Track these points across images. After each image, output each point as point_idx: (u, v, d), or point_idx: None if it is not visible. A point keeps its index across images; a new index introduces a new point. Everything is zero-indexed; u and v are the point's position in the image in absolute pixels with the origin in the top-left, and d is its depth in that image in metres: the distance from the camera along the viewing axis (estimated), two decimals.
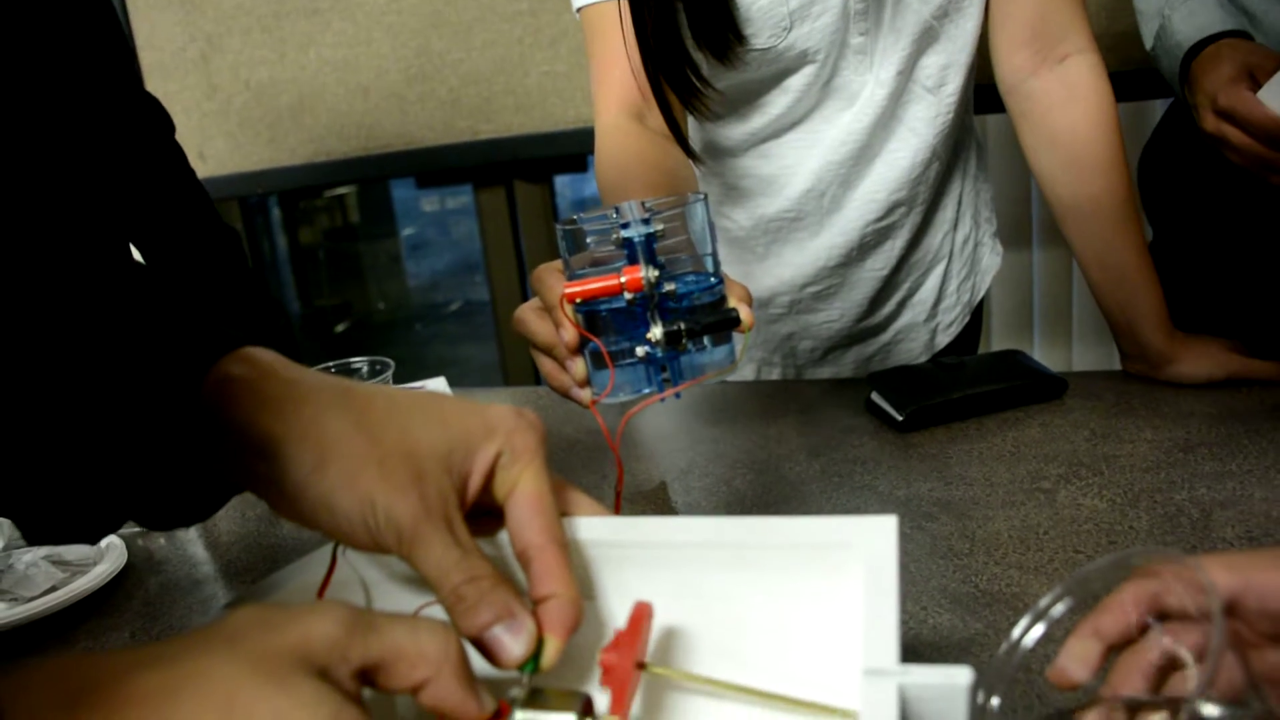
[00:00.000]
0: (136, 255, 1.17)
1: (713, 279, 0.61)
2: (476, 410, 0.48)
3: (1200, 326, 1.04)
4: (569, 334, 0.60)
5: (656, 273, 0.58)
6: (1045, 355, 2.07)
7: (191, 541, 0.95)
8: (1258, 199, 1.11)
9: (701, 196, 0.62)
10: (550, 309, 0.62)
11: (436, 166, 2.05)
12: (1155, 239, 1.28)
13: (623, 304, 0.59)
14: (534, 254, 2.21)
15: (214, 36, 2.04)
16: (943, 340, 1.21)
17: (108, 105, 1.09)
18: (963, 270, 1.19)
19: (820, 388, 1.12)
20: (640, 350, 0.59)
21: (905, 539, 0.77)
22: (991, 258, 1.23)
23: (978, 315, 1.25)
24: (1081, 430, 0.93)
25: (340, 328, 3.45)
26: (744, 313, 0.60)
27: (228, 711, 0.34)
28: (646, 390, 0.61)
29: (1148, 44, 1.07)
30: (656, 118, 0.96)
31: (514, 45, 1.90)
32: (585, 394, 0.63)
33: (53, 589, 0.85)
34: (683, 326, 0.58)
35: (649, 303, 0.58)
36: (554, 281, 0.61)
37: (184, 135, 1.21)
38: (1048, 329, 2.07)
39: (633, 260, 0.58)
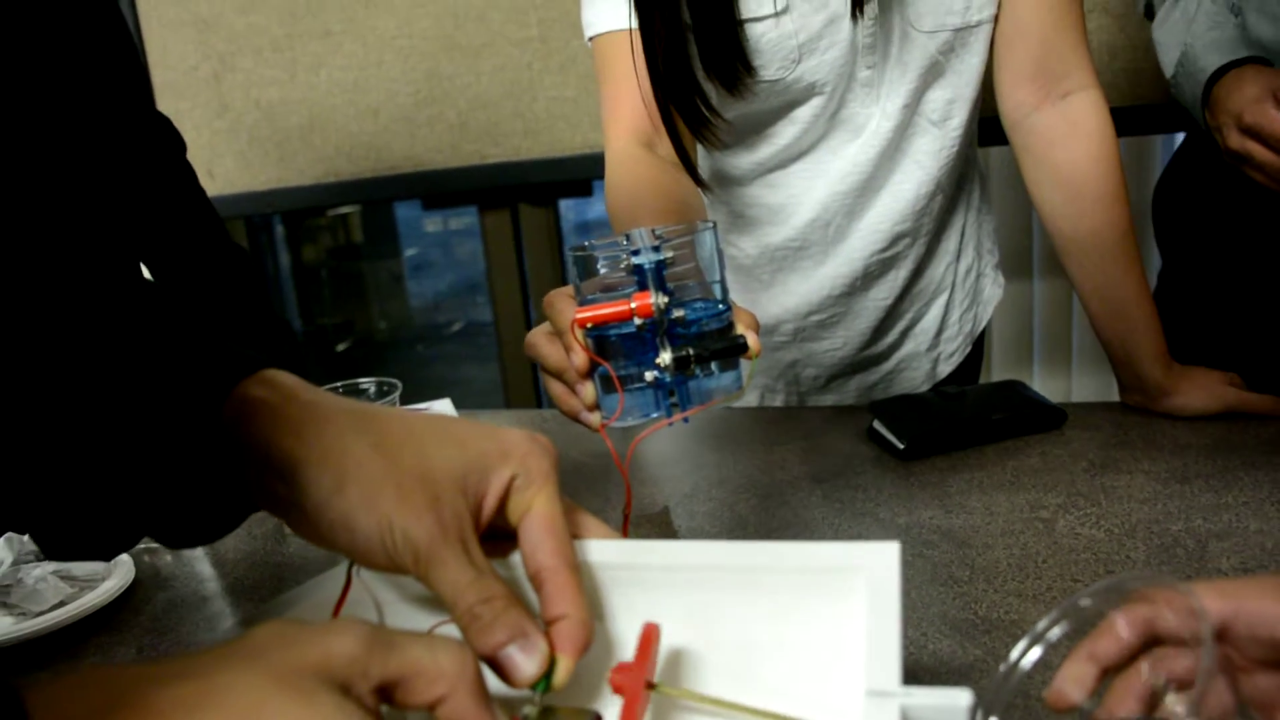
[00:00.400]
0: (146, 275, 1.18)
1: (721, 306, 0.63)
2: (491, 434, 0.50)
3: (1203, 358, 1.05)
4: (579, 358, 0.61)
5: (666, 299, 0.59)
6: (1045, 385, 2.09)
7: (198, 559, 0.96)
8: (1268, 232, 1.13)
9: (710, 225, 0.63)
10: (561, 333, 0.63)
11: (444, 189, 2.06)
12: (1165, 268, 1.30)
13: (633, 329, 0.60)
14: (537, 276, 2.22)
15: (226, 56, 2.06)
16: (944, 370, 1.23)
17: (120, 125, 1.10)
18: (965, 301, 1.21)
19: (823, 415, 1.13)
20: (649, 375, 0.61)
21: (906, 566, 0.78)
22: (993, 289, 1.24)
23: (979, 345, 1.27)
24: (1080, 461, 0.94)
25: (342, 346, 3.45)
26: (751, 339, 0.61)
27: None
28: (655, 415, 0.62)
29: (1168, 72, 1.09)
30: (666, 146, 0.98)
31: (523, 70, 1.93)
32: (594, 418, 0.64)
33: (61, 604, 0.85)
34: (691, 352, 0.60)
35: (658, 328, 0.60)
36: (565, 306, 0.62)
37: (194, 153, 1.22)
38: (1047, 359, 2.09)
39: (643, 286, 0.60)
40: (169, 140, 1.19)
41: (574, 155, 1.95)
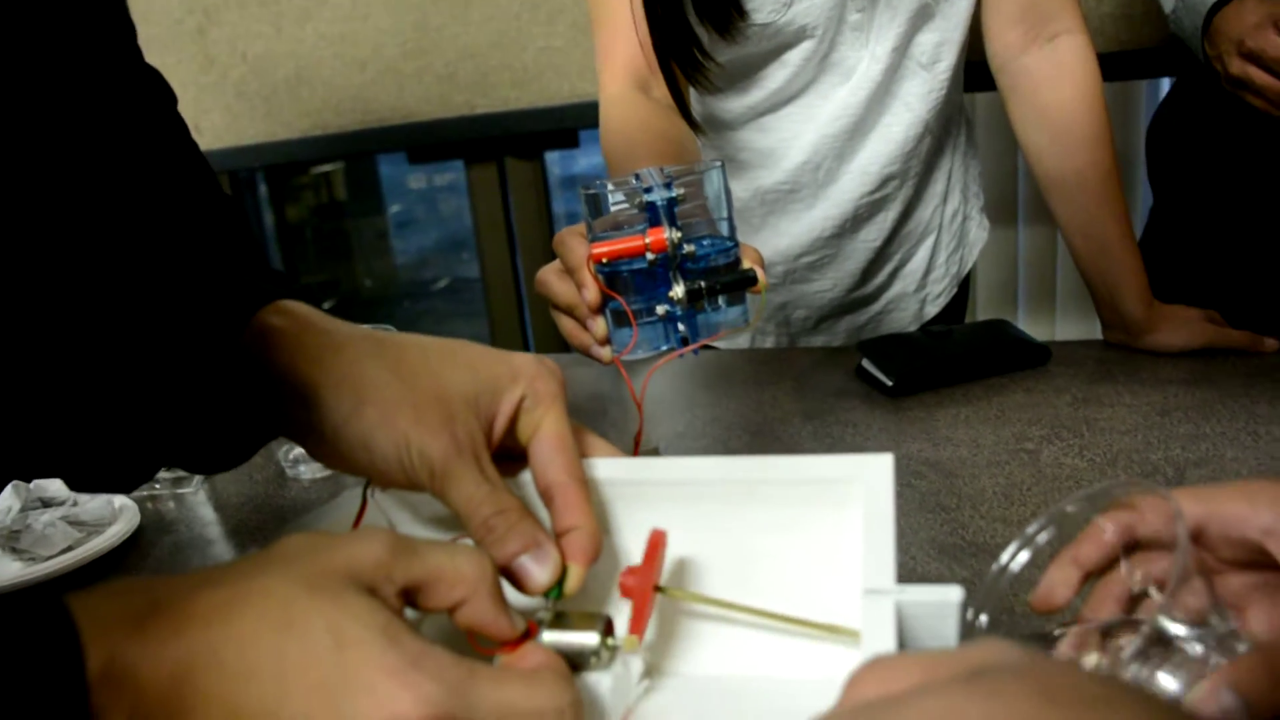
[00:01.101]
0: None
1: (729, 242, 0.65)
2: (501, 358, 0.52)
3: (1186, 295, 1.08)
4: (591, 293, 0.63)
5: (679, 234, 0.61)
6: (1029, 328, 2.10)
7: (200, 504, 0.97)
8: (1259, 171, 1.15)
9: (718, 163, 0.65)
10: (573, 270, 0.65)
11: (431, 141, 2.06)
12: (1156, 206, 1.32)
13: (644, 265, 0.62)
14: (525, 230, 2.22)
15: (211, 9, 2.04)
16: (931, 310, 1.25)
17: (111, 78, 1.10)
18: (951, 243, 1.23)
19: (813, 355, 1.16)
20: (660, 309, 0.62)
21: (895, 495, 0.80)
22: (979, 231, 1.26)
23: (965, 287, 1.29)
24: (1064, 395, 0.97)
25: (327, 305, 3.42)
26: (759, 273, 0.63)
27: (286, 625, 0.38)
28: (665, 347, 0.64)
29: (1168, 8, 1.11)
30: (661, 89, 0.99)
31: (511, 20, 1.92)
32: (605, 352, 0.66)
33: (69, 549, 0.87)
34: (703, 285, 0.62)
35: (671, 263, 0.61)
36: (576, 244, 0.64)
37: (181, 109, 1.22)
38: (1032, 304, 2.11)
39: (655, 223, 0.61)
40: (159, 92, 1.19)
41: (562, 105, 1.95)
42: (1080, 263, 1.09)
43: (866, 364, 1.03)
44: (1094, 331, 1.14)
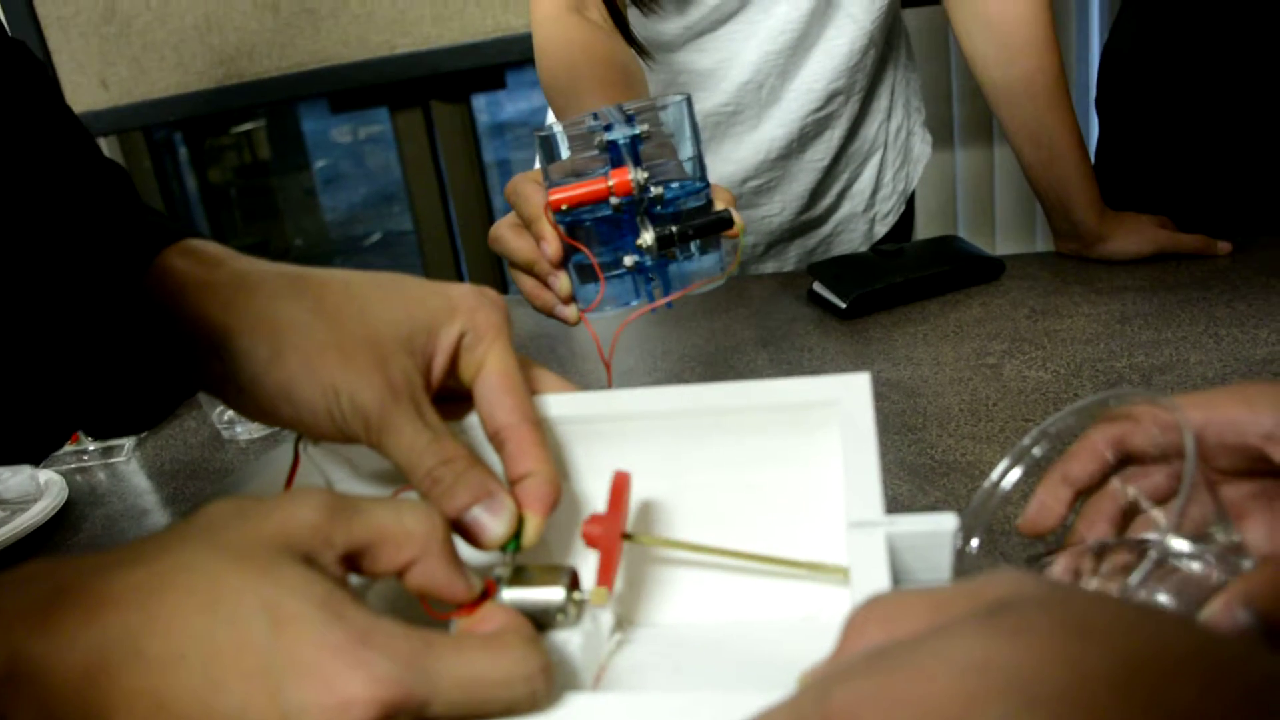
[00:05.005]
0: None
1: (699, 183, 0.60)
2: (437, 290, 0.47)
3: (1136, 204, 1.05)
4: (552, 245, 0.58)
5: (645, 174, 0.56)
6: None
7: (133, 472, 0.93)
8: (1204, 78, 1.12)
9: (683, 98, 0.59)
10: (531, 222, 0.59)
11: (353, 84, 1.97)
12: (1103, 129, 1.29)
13: (608, 212, 0.56)
14: (455, 178, 2.16)
15: None
16: (880, 230, 1.22)
17: None
18: (897, 159, 1.20)
19: (763, 282, 1.12)
20: (629, 259, 0.57)
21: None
22: (922, 147, 1.24)
23: (911, 205, 1.26)
24: (1021, 308, 0.95)
25: None
26: (735, 215, 0.59)
27: (213, 604, 0.33)
28: (634, 302, 0.59)
29: None
30: (595, 9, 0.93)
31: None
32: (570, 311, 0.61)
33: None
34: (674, 230, 0.56)
35: (638, 207, 0.56)
36: (532, 193, 0.59)
37: (84, 62, 1.14)
38: (971, 226, 2.10)
39: (617, 163, 0.56)
40: (25, 61, 1.12)
41: (488, 40, 1.88)
42: (1030, 172, 1.06)
43: (818, 287, 1.00)
44: (1034, 249, 1.12)
